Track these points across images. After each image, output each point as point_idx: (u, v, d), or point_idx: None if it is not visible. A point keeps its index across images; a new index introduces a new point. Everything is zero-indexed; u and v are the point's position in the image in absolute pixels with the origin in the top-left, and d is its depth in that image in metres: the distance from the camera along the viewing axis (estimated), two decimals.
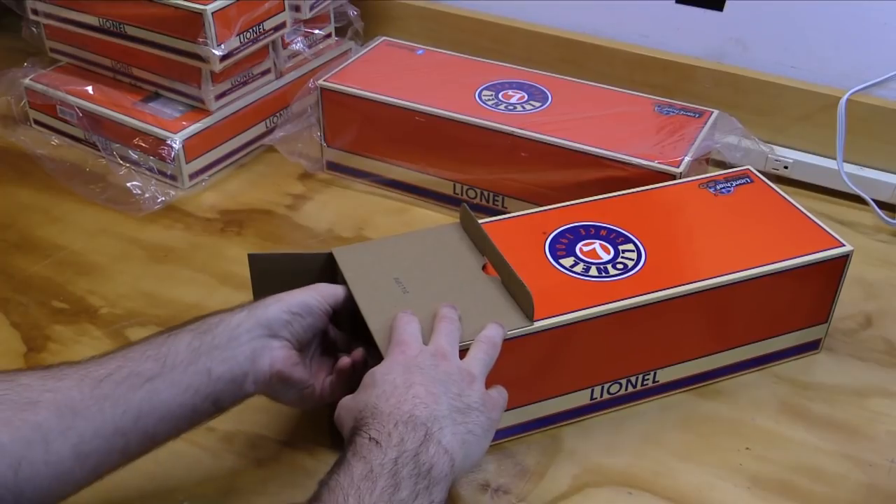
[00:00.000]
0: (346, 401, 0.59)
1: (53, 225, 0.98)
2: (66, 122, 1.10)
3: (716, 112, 0.96)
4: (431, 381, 0.57)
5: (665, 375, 0.74)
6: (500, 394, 0.64)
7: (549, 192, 0.92)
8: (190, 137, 1.02)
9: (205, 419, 0.61)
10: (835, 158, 1.00)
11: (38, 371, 0.56)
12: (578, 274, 0.72)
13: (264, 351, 0.63)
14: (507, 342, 0.65)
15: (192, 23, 0.97)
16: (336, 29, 1.18)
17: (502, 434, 0.71)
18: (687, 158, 0.87)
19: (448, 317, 0.64)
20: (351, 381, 0.66)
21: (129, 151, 1.05)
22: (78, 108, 1.08)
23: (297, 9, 1.09)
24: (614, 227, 0.77)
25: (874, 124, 0.99)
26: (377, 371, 0.59)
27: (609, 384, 0.72)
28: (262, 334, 0.63)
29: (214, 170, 1.07)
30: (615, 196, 0.82)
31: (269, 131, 1.11)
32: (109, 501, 0.66)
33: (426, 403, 0.55)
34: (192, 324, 0.62)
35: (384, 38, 1.11)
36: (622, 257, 0.73)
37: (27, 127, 1.15)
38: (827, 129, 1.00)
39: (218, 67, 1.00)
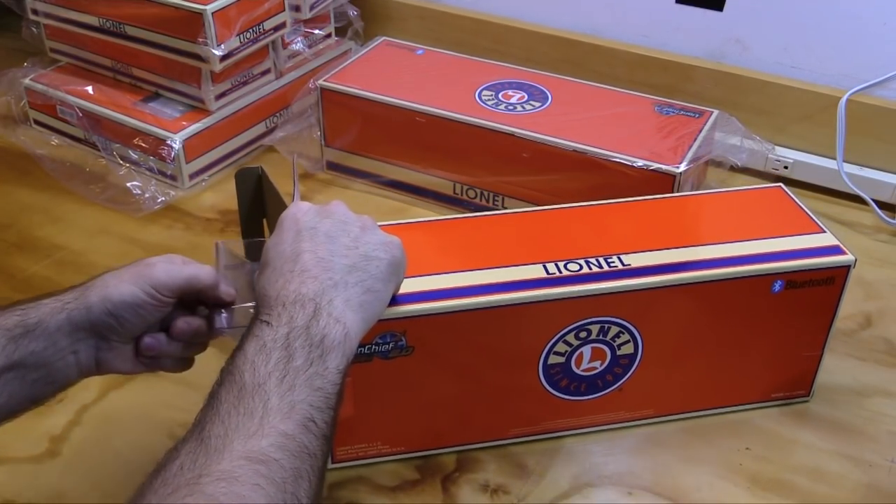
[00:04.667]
0: (256, 283, 0.57)
1: (53, 225, 0.98)
2: (66, 122, 1.10)
3: (716, 112, 0.96)
4: (320, 243, 0.56)
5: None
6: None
7: (548, 193, 0.92)
8: (190, 137, 1.02)
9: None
10: (835, 158, 1.00)
11: None
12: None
13: (88, 353, 0.59)
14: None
15: (192, 23, 0.97)
16: (336, 29, 1.18)
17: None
18: (687, 158, 0.87)
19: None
20: (201, 337, 0.63)
21: (129, 151, 1.05)
22: (78, 108, 1.08)
23: (297, 9, 1.09)
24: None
25: (874, 124, 0.99)
26: (269, 244, 0.57)
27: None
28: (83, 337, 0.59)
29: (214, 170, 1.07)
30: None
31: (269, 131, 1.11)
32: None
33: (314, 275, 0.54)
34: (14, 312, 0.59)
35: (384, 38, 1.11)
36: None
37: (27, 127, 1.15)
38: (827, 129, 1.00)
39: (218, 67, 1.00)
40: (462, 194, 0.99)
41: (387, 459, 0.71)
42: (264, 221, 0.81)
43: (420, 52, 1.08)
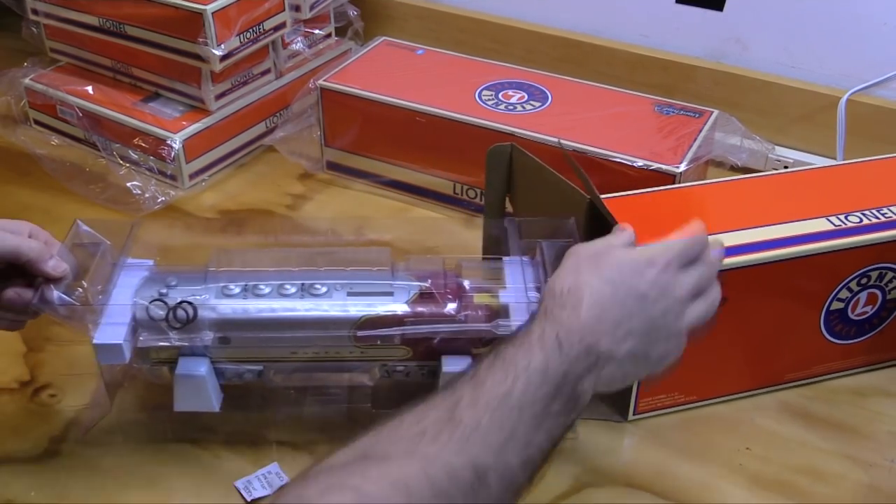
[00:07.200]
0: (559, 273, 0.58)
1: (53, 225, 0.97)
2: (66, 122, 1.10)
3: (716, 112, 0.96)
4: (636, 314, 0.56)
5: None
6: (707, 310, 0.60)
7: None
8: (190, 137, 1.02)
9: None
10: (835, 158, 1.00)
11: None
12: None
13: None
14: None
15: (192, 23, 0.97)
16: (336, 29, 1.18)
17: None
18: (687, 158, 0.87)
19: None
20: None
21: (129, 151, 1.05)
22: (78, 108, 1.08)
23: (297, 9, 1.09)
24: None
25: (874, 124, 0.99)
26: (592, 281, 0.56)
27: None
28: None
29: (214, 170, 1.07)
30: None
31: (269, 131, 1.11)
32: None
33: (614, 338, 0.55)
34: None
35: (384, 38, 1.11)
36: None
37: (27, 127, 1.15)
38: (827, 129, 1.00)
39: (218, 67, 1.00)
40: (462, 194, 0.99)
41: (680, 408, 0.75)
42: (507, 198, 0.82)
43: (420, 52, 1.08)
